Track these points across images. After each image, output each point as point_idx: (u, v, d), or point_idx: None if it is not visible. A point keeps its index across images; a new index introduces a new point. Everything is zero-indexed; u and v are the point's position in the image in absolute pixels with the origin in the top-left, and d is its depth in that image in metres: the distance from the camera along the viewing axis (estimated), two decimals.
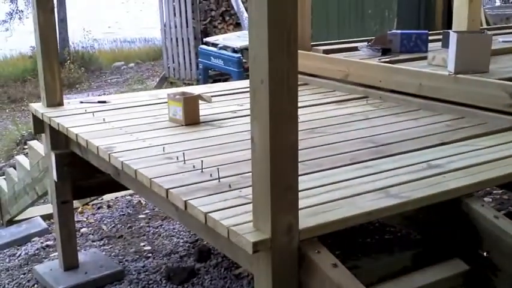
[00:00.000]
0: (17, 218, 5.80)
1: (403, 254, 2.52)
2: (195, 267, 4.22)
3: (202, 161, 2.68)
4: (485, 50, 3.76)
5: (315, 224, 2.11)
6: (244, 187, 2.44)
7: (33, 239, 5.18)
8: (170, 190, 2.44)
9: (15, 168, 5.70)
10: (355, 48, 4.86)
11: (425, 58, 4.30)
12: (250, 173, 2.26)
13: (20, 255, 4.86)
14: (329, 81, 4.51)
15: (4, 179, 5.93)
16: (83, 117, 3.74)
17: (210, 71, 9.83)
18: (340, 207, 2.24)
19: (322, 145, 3.02)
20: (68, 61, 14.99)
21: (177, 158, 2.83)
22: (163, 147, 2.99)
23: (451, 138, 3.12)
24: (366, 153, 2.89)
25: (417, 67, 4.01)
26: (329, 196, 2.35)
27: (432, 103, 3.72)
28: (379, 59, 4.40)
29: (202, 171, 2.65)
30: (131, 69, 16.47)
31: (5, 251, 5.03)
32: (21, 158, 5.41)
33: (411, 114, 3.64)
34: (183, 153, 2.82)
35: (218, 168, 2.56)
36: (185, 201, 2.33)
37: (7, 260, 4.81)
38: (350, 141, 3.09)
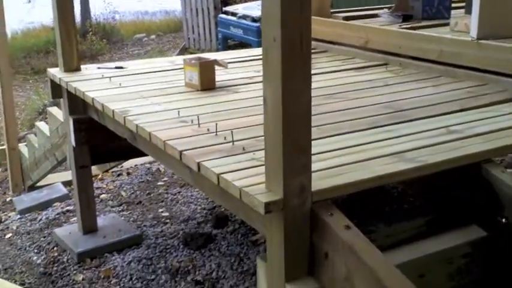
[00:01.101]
0: (38, 184, 5.86)
1: (418, 220, 2.48)
2: (212, 233, 4.24)
3: (216, 124, 2.66)
4: (510, 15, 3.65)
5: (328, 186, 2.08)
6: (258, 150, 2.42)
7: (54, 204, 5.24)
8: (184, 152, 2.43)
9: (36, 135, 5.75)
10: (376, 15, 4.77)
11: (447, 25, 4.19)
12: (263, 137, 2.25)
13: (40, 219, 4.92)
14: (348, 48, 4.44)
15: (25, 145, 5.98)
16: (100, 82, 3.73)
17: (229, 40, 9.77)
18: (354, 171, 2.21)
19: (339, 110, 2.97)
20: (90, 33, 14.98)
21: (192, 122, 2.82)
22: (178, 111, 2.97)
23: (471, 104, 3.05)
24: (385, 119, 2.84)
25: (439, 33, 3.92)
26: (344, 159, 2.32)
27: (453, 70, 3.63)
28: (400, 26, 4.31)
29: (216, 134, 2.63)
30: (152, 41, 16.45)
31: (26, 215, 5.10)
32: (41, 125, 5.44)
33: (431, 80, 3.57)
34: (198, 117, 2.80)
35: (232, 132, 2.54)
36: (198, 163, 2.32)
37: (28, 224, 4.88)
38: (368, 107, 3.04)
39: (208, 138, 2.60)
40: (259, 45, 8.22)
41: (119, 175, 5.89)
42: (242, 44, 9.46)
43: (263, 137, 2.35)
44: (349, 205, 2.33)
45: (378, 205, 2.42)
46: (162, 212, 4.75)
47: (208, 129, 2.69)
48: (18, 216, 5.13)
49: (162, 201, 5.00)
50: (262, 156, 2.29)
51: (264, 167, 2.14)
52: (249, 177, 2.16)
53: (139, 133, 2.82)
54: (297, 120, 1.93)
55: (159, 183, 5.45)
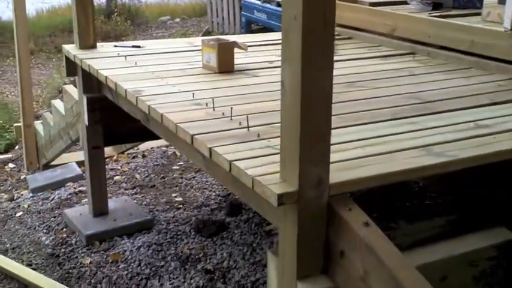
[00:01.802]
0: (53, 163, 5.79)
1: (441, 219, 2.33)
2: (225, 221, 4.12)
3: (232, 108, 2.53)
4: None
5: (347, 179, 1.94)
6: (274, 137, 2.28)
7: (67, 184, 5.16)
8: (196, 136, 2.30)
9: (51, 113, 5.67)
10: (404, 2, 4.58)
11: (479, 14, 4.01)
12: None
13: (52, 199, 4.84)
14: (374, 35, 4.26)
15: (41, 123, 5.91)
16: (115, 60, 3.62)
17: (252, 25, 9.59)
18: (376, 163, 2.07)
19: (361, 99, 2.82)
20: (115, 13, 14.90)
21: (206, 105, 2.69)
22: (193, 93, 2.84)
23: (502, 98, 2.88)
24: (409, 110, 2.68)
25: (470, 23, 3.73)
26: (365, 151, 2.17)
27: (485, 61, 3.45)
28: (429, 14, 4.13)
29: (231, 119, 2.50)
30: (177, 24, 16.35)
31: (39, 194, 5.03)
32: (57, 103, 5.35)
33: (461, 72, 3.40)
34: (213, 100, 2.67)
35: (248, 117, 2.40)
36: (210, 148, 2.19)
37: (40, 203, 4.80)
38: (392, 97, 2.88)
39: (222, 122, 2.47)
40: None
41: (134, 157, 5.80)
42: (265, 29, 9.29)
43: (278, 124, 2.22)
44: (368, 199, 2.19)
45: (398, 201, 2.27)
46: (175, 196, 4.65)
47: (223, 113, 2.56)
48: (31, 194, 5.06)
49: (176, 186, 4.89)
50: (277, 144, 2.16)
51: (279, 155, 2.01)
52: (263, 165, 2.03)
53: (152, 115, 2.70)
54: (316, 106, 1.79)
55: (174, 167, 5.34)
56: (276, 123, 2.38)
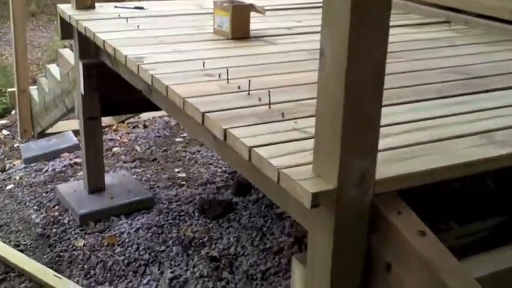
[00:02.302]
0: (48, 131, 5.42)
1: (496, 220, 1.96)
2: (232, 201, 3.77)
3: (249, 81, 2.14)
4: None
5: (397, 174, 1.57)
6: (302, 117, 1.91)
7: (62, 155, 4.80)
8: (207, 114, 1.92)
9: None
10: None
11: None
12: (310, 100, 1.75)
13: (46, 170, 4.49)
14: (400, 0, 3.84)
15: (37, 88, 5.52)
16: (115, 22, 3.22)
17: None
18: (429, 153, 1.69)
19: (400, 72, 2.43)
20: None
21: (219, 76, 2.30)
22: (204, 62, 2.46)
23: None
24: (456, 86, 2.30)
25: None
26: (413, 137, 1.80)
27: None
28: None
29: (249, 94, 2.12)
30: None
31: (32, 165, 4.67)
32: (52, 67, 4.95)
33: (505, 44, 3.00)
34: (227, 70, 2.28)
35: (269, 91, 2.02)
36: (225, 130, 1.81)
37: (33, 175, 4.45)
38: (435, 71, 2.49)
39: (238, 98, 2.09)
40: None
41: (134, 127, 5.43)
42: None
43: (308, 101, 1.86)
44: (412, 195, 1.82)
45: (448, 198, 1.90)
46: (178, 172, 4.29)
47: (239, 87, 2.18)
48: (23, 165, 4.70)
49: (179, 160, 4.52)
50: (305, 127, 1.80)
51: (309, 141, 1.64)
52: (290, 154, 1.65)
53: (155, 86, 2.31)
54: (365, 83, 1.41)
55: (178, 139, 4.97)
56: (303, 99, 2.02)
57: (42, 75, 8.75)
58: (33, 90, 5.59)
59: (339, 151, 1.44)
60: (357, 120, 1.43)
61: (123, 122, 5.51)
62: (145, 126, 5.38)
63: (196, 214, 3.63)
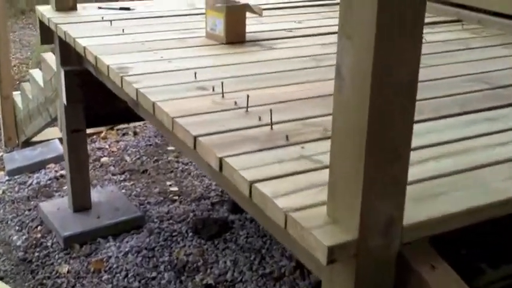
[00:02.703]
0: (34, 139, 5.12)
1: None
2: (228, 219, 3.49)
3: (248, 96, 1.86)
4: None
5: (428, 217, 1.29)
6: (309, 141, 1.64)
7: (48, 166, 4.50)
8: (199, 138, 1.64)
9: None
10: None
11: None
12: (317, 119, 1.55)
13: (30, 184, 4.20)
14: None
15: (20, 94, 5.22)
16: (98, 26, 2.94)
17: None
18: (463, 187, 1.42)
19: None
20: None
21: (213, 89, 2.02)
22: (195, 72, 2.18)
23: None
24: (480, 99, 2.03)
25: None
26: (441, 166, 1.52)
27: None
28: None
29: (247, 111, 1.84)
30: None
31: (16, 177, 4.38)
32: (35, 73, 4.66)
33: None
34: (222, 83, 2.00)
35: (271, 110, 1.74)
36: (220, 159, 1.53)
37: (16, 189, 4.16)
38: (453, 79, 2.22)
39: (235, 116, 1.81)
40: None
41: (124, 134, 5.13)
42: None
43: (314, 120, 1.59)
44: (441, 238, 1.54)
45: (481, 236, 1.63)
46: (170, 185, 4.00)
47: (235, 103, 1.90)
48: (7, 177, 4.40)
49: (171, 172, 4.24)
50: (315, 153, 1.53)
51: (320, 172, 1.38)
52: (299, 190, 1.38)
53: (141, 101, 2.03)
54: (394, 108, 1.14)
55: (170, 148, 4.68)
56: (309, 118, 1.76)
57: (26, 79, 8.45)
58: (17, 96, 5.30)
59: (361, 191, 1.17)
60: (383, 153, 1.16)
61: (112, 128, 5.22)
62: (135, 134, 5.09)
63: (190, 234, 3.35)
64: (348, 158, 1.19)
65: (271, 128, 1.72)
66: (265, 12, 3.02)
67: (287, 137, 1.65)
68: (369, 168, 1.15)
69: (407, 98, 1.14)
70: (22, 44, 9.83)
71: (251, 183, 1.41)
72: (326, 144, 1.59)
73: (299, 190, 1.38)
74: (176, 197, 3.81)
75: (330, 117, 1.78)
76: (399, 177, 1.20)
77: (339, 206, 1.24)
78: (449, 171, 1.49)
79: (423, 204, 1.33)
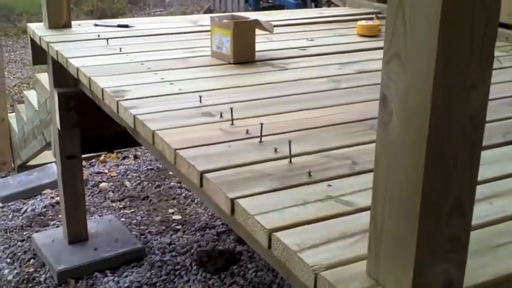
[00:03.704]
0: (30, 163, 4.90)
1: None
2: (235, 250, 3.24)
3: (262, 124, 1.62)
4: None
5: (494, 276, 1.05)
6: (335, 177, 1.40)
7: (44, 192, 4.27)
8: (207, 175, 1.40)
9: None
10: None
11: None
12: (342, 150, 1.36)
13: (25, 211, 3.96)
14: None
15: (15, 116, 5.01)
16: (94, 44, 2.71)
17: (261, 1, 8.60)
18: None
19: None
20: None
21: (221, 116, 1.79)
22: (200, 96, 1.94)
23: None
24: None
25: None
26: (496, 208, 1.28)
27: None
28: None
29: (260, 141, 1.61)
30: (176, 2, 15.53)
31: (10, 204, 4.14)
32: (30, 94, 4.44)
33: None
34: (231, 109, 1.76)
35: (290, 141, 1.50)
36: (232, 201, 1.29)
37: (10, 217, 3.92)
38: (491, 102, 1.98)
39: (247, 148, 1.57)
40: (296, 8, 7.11)
41: (124, 158, 4.90)
42: (275, 7, 8.29)
43: (337, 151, 1.37)
44: None
45: None
46: (172, 213, 3.76)
47: (247, 131, 1.67)
48: (0, 204, 4.17)
49: (174, 198, 4.00)
50: (344, 193, 1.29)
51: (353, 217, 1.14)
52: (330, 241, 1.14)
53: (139, 130, 1.80)
54: (456, 149, 0.89)
55: (172, 172, 4.44)
56: (332, 149, 1.52)
57: (21, 101, 8.26)
58: (12, 118, 5.09)
59: (414, 250, 0.92)
60: (441, 205, 0.92)
61: (111, 152, 4.99)
62: (135, 157, 4.86)
63: (194, 267, 3.10)
64: (396, 209, 0.95)
65: (290, 161, 1.48)
66: (275, 29, 2.80)
67: (309, 173, 1.41)
68: (424, 223, 0.91)
69: (474, 137, 0.90)
70: (23, 64, 9.68)
71: (270, 232, 1.17)
72: (356, 182, 1.38)
73: (329, 241, 1.14)
74: (179, 226, 3.56)
75: (357, 148, 1.57)
76: (460, 233, 0.96)
77: (384, 265, 0.99)
78: (508, 215, 1.24)
79: (484, 258, 1.09)
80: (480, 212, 1.24)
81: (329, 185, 1.36)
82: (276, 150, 1.54)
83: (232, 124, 1.73)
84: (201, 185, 1.42)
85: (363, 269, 1.05)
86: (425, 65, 0.84)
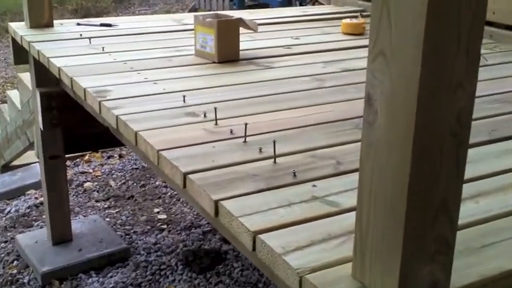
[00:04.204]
0: (14, 163, 4.84)
1: None
2: (221, 249, 3.22)
3: (246, 124, 1.60)
4: None
5: (480, 277, 1.04)
6: (320, 177, 1.38)
7: (28, 192, 4.23)
8: (190, 176, 1.38)
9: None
10: None
11: None
12: (327, 150, 1.41)
13: (8, 212, 3.91)
14: None
15: None
16: (76, 44, 2.68)
17: (247, 0, 8.58)
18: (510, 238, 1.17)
19: None
20: None
21: (205, 115, 1.77)
22: (184, 96, 1.92)
23: None
24: (508, 122, 1.79)
25: None
26: (482, 208, 1.27)
27: None
28: None
29: (245, 141, 1.59)
30: (160, 1, 15.48)
31: None
32: (13, 94, 4.39)
33: None
34: (215, 108, 1.74)
35: (275, 141, 1.48)
36: (216, 203, 1.27)
37: None
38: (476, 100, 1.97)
39: (232, 148, 1.55)
40: (281, 6, 7.09)
41: (109, 157, 4.86)
42: (260, 5, 8.27)
43: (322, 151, 1.36)
44: None
45: None
46: (158, 213, 3.73)
47: (231, 131, 1.65)
48: None
49: (159, 198, 3.97)
50: (329, 193, 1.28)
51: (339, 218, 1.13)
52: (315, 243, 1.12)
53: (121, 131, 1.77)
54: (443, 146, 0.88)
55: (156, 173, 4.40)
56: (317, 148, 1.50)
57: (4, 100, 8.18)
58: None
59: (400, 251, 0.91)
60: (428, 205, 0.91)
61: (96, 151, 4.94)
62: (120, 156, 4.82)
63: (180, 267, 3.08)
64: (381, 210, 0.94)
65: (275, 161, 1.46)
66: (259, 28, 2.78)
67: (294, 173, 1.39)
68: (409, 223, 0.90)
69: (460, 136, 0.89)
70: (7, 63, 9.58)
71: (255, 235, 1.15)
72: (341, 182, 1.36)
73: (314, 243, 1.12)
74: (164, 226, 3.54)
75: (342, 148, 1.56)
76: (446, 233, 0.94)
77: (369, 267, 0.98)
78: (493, 215, 1.24)
79: (470, 260, 1.08)
80: (465, 212, 1.23)
81: (314, 185, 1.34)
82: (260, 150, 1.52)
83: (216, 124, 1.71)
84: (185, 186, 1.40)
85: (349, 271, 1.03)
86: (410, 62, 0.83)
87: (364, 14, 3.28)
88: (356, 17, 3.18)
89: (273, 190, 1.33)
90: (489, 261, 1.08)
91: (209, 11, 11.02)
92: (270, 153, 1.48)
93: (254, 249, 1.16)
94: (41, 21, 2.91)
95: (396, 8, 0.84)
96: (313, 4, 6.84)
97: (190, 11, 12.07)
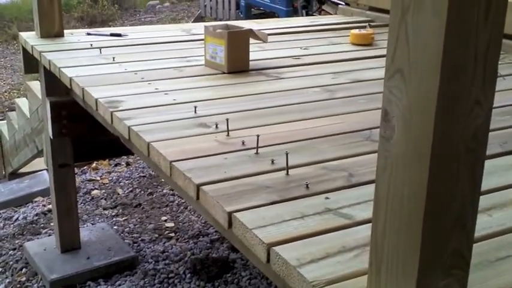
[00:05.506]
0: (21, 170, 4.87)
1: None
2: (229, 258, 3.23)
3: (258, 136, 1.61)
4: None
5: None
6: (333, 189, 1.39)
7: (36, 199, 4.25)
8: (203, 188, 1.39)
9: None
10: None
11: None
12: (339, 161, 1.43)
13: (16, 219, 3.93)
14: None
15: (6, 123, 4.97)
16: (86, 54, 2.70)
17: (253, 9, 8.61)
18: None
19: None
20: None
21: (216, 126, 1.78)
22: (195, 107, 1.94)
23: None
24: None
25: None
26: (495, 222, 1.28)
27: None
28: None
29: (257, 153, 1.60)
30: (166, 9, 15.54)
31: (1, 212, 4.12)
32: (21, 102, 4.41)
33: None
34: (227, 120, 1.75)
35: (287, 153, 1.49)
36: (229, 214, 1.28)
37: (1, 225, 3.90)
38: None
39: (244, 159, 1.56)
40: (288, 15, 7.11)
41: (116, 165, 4.89)
42: (266, 15, 8.31)
43: (334, 163, 1.36)
44: None
45: None
46: (165, 221, 3.74)
47: (243, 143, 1.66)
48: None
49: (167, 206, 3.98)
50: (342, 206, 1.29)
51: (353, 230, 1.15)
52: (329, 256, 1.13)
53: (133, 141, 1.78)
54: (460, 161, 0.89)
55: (167, 184, 4.42)
56: (329, 160, 1.51)
57: (12, 107, 8.22)
58: (3, 126, 5.05)
59: (416, 266, 0.92)
60: (444, 220, 0.91)
61: (103, 159, 4.96)
62: (128, 164, 4.84)
63: (188, 275, 3.09)
64: (398, 225, 0.95)
65: (287, 173, 1.47)
66: (268, 38, 2.79)
67: (307, 185, 1.40)
68: (428, 238, 0.91)
69: (477, 152, 0.89)
70: (13, 70, 9.65)
71: (269, 247, 1.16)
72: (354, 194, 1.37)
73: (329, 255, 1.13)
74: (172, 234, 3.55)
75: (353, 160, 1.56)
76: (462, 248, 0.95)
77: (385, 281, 0.99)
78: (507, 228, 1.24)
79: (486, 273, 1.09)
80: (479, 225, 1.23)
81: (327, 198, 1.35)
82: (272, 161, 1.53)
83: (228, 135, 1.72)
84: (198, 198, 1.41)
85: (363, 284, 1.04)
86: (428, 80, 0.84)
87: (372, 24, 3.30)
88: (364, 27, 3.19)
89: (286, 202, 1.33)
90: (504, 274, 1.09)
91: (215, 19, 11.07)
92: (282, 164, 1.49)
93: (268, 261, 1.16)
94: (52, 31, 2.93)
95: (414, 26, 0.85)
96: (320, 13, 6.87)
97: (196, 18, 12.12)
